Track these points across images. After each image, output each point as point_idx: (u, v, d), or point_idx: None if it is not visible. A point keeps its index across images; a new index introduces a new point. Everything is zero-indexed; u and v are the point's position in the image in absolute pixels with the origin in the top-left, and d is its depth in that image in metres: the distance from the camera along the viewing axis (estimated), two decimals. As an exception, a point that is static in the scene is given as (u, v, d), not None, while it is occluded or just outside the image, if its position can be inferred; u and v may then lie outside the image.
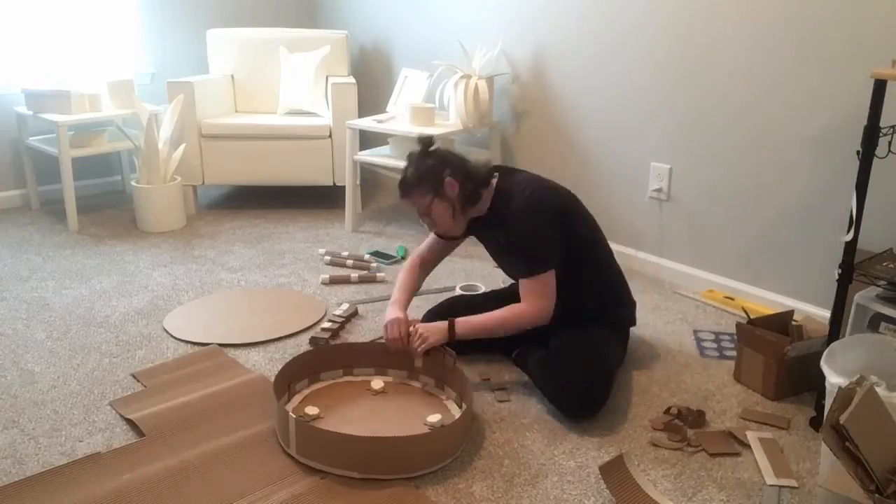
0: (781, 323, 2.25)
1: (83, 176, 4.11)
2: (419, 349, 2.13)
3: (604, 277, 2.26)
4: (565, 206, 2.15)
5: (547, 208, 2.10)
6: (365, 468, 1.79)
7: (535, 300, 2.08)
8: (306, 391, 2.17)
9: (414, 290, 2.33)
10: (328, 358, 2.23)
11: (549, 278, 2.08)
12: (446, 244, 2.37)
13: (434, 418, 2.01)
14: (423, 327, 2.15)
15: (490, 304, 2.31)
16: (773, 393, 2.15)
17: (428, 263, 2.39)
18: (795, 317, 2.28)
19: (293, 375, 2.13)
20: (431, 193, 2.13)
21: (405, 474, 1.79)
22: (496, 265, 2.44)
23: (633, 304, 2.34)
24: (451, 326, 2.13)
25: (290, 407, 2.08)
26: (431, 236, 2.37)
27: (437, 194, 2.13)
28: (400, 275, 2.34)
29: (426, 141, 2.21)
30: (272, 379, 2.01)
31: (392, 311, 2.21)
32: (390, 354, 2.23)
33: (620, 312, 2.28)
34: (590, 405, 2.04)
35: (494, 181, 2.19)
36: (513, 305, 2.11)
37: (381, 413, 2.07)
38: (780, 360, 2.11)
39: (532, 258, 2.09)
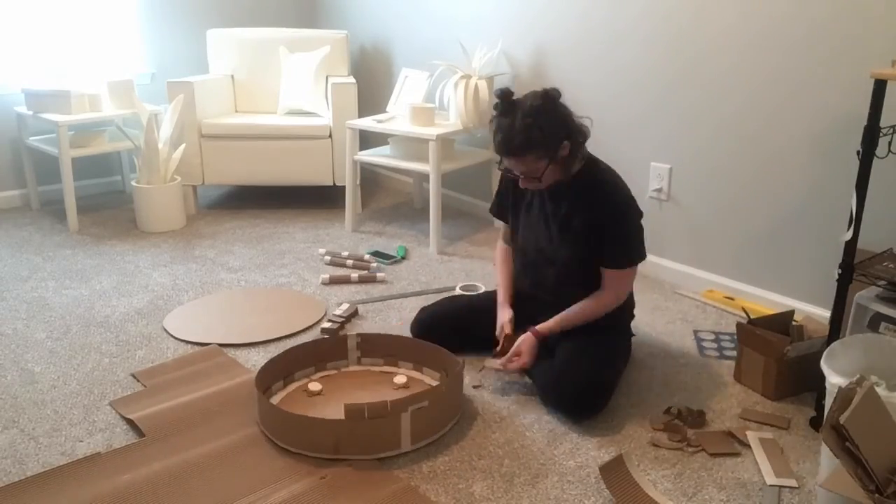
0: (781, 323, 2.25)
1: (83, 176, 4.11)
2: (511, 366, 2.13)
3: None
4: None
5: (633, 198, 2.10)
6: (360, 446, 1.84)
7: (621, 289, 2.11)
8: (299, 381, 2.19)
9: (511, 277, 2.31)
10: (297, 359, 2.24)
11: (634, 272, 2.12)
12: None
13: (400, 379, 2.13)
14: (517, 352, 2.12)
15: (484, 306, 2.31)
16: (773, 393, 2.15)
17: (512, 240, 2.34)
18: (795, 317, 2.28)
19: (282, 367, 2.18)
20: (547, 159, 1.96)
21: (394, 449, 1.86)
22: (519, 232, 2.26)
23: (632, 312, 2.33)
24: (540, 338, 2.12)
25: (282, 395, 2.12)
26: (503, 226, 2.35)
27: (552, 159, 1.97)
28: (497, 271, 2.34)
29: (529, 94, 1.98)
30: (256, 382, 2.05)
31: (502, 314, 2.25)
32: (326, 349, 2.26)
33: (625, 319, 2.27)
34: (588, 407, 2.04)
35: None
36: (594, 299, 2.10)
37: (345, 399, 2.12)
38: (780, 360, 2.11)
39: (632, 249, 2.08)
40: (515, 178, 2.08)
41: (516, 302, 2.30)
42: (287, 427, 1.87)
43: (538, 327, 2.13)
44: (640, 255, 2.10)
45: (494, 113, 2.01)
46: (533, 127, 1.92)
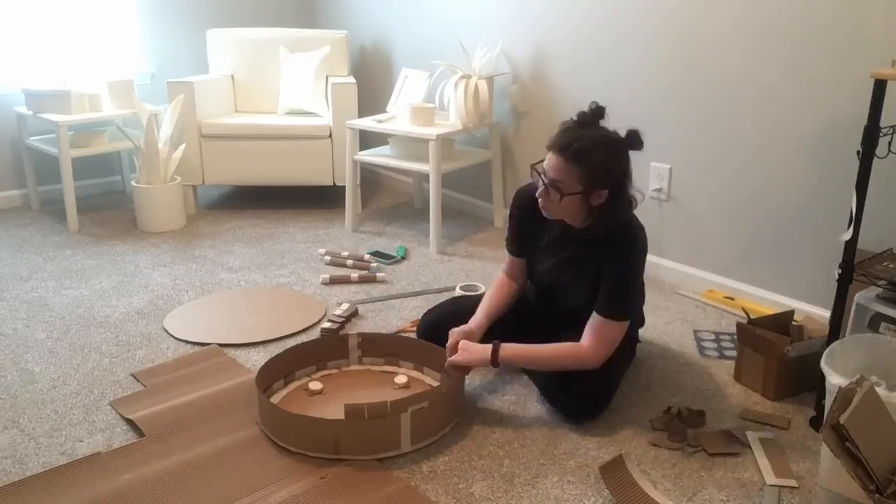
0: (782, 323, 2.25)
1: (83, 176, 4.11)
2: (448, 363, 2.02)
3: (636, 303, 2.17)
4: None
5: (646, 245, 2.01)
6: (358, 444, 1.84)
7: (602, 345, 1.95)
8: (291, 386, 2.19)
9: (497, 306, 2.18)
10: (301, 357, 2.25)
11: (623, 328, 1.97)
12: (522, 262, 2.21)
13: (401, 379, 2.13)
14: (464, 344, 2.02)
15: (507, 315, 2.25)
16: (773, 393, 2.15)
17: (515, 277, 2.24)
18: (795, 317, 2.28)
19: (282, 366, 2.19)
20: (582, 186, 1.87)
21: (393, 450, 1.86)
22: (534, 285, 2.21)
23: (642, 322, 2.32)
24: (496, 353, 1.98)
25: (283, 393, 2.13)
26: (508, 257, 2.24)
27: (585, 191, 1.88)
28: (486, 295, 2.22)
29: (634, 138, 1.91)
30: (256, 381, 2.04)
31: (469, 324, 2.11)
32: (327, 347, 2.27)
33: (632, 329, 2.23)
34: (589, 409, 2.04)
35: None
36: (572, 345, 1.97)
37: (345, 398, 2.12)
38: (780, 360, 2.11)
39: (624, 300, 1.96)
40: (532, 194, 2.00)
41: (507, 329, 2.18)
42: (287, 426, 1.88)
43: (504, 346, 1.99)
44: (628, 311, 1.98)
45: (574, 119, 1.93)
46: (599, 149, 1.85)
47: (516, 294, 2.25)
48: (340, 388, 2.17)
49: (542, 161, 1.95)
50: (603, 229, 1.95)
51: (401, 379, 2.19)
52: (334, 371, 2.27)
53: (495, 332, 2.14)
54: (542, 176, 1.92)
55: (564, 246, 2.06)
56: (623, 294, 1.97)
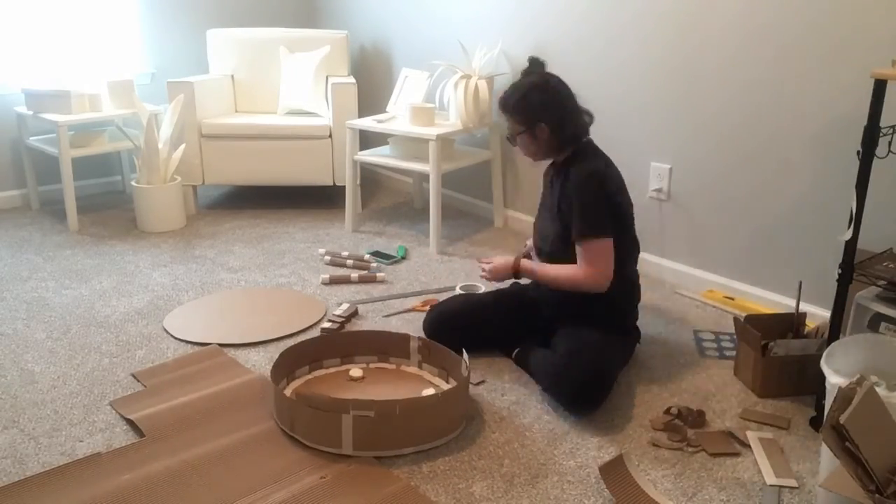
0: (784, 322, 2.26)
1: (83, 176, 4.11)
2: (482, 274, 2.40)
3: (626, 283, 2.23)
4: (621, 187, 2.21)
5: (610, 181, 2.16)
6: (367, 442, 1.85)
7: (591, 264, 2.12)
8: (304, 378, 2.21)
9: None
10: (326, 347, 2.29)
11: (603, 245, 2.12)
12: None
13: (428, 391, 2.11)
14: (491, 262, 2.38)
15: (493, 305, 2.35)
16: (759, 389, 2.17)
17: None
18: (809, 321, 2.28)
19: (294, 360, 2.21)
20: (524, 126, 2.20)
21: (407, 447, 1.87)
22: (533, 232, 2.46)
23: (636, 317, 2.34)
24: (517, 262, 2.32)
25: (293, 386, 2.18)
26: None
27: (528, 129, 2.20)
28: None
29: (539, 72, 2.25)
30: (311, 395, 2.01)
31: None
32: (385, 342, 2.31)
33: (626, 322, 2.28)
34: (589, 398, 2.04)
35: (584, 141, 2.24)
36: (572, 269, 2.16)
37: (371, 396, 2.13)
38: (763, 356, 2.12)
39: (589, 218, 2.11)
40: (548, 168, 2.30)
41: (523, 294, 2.41)
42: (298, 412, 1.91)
43: (522, 262, 2.31)
44: (596, 230, 2.11)
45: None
46: (516, 93, 2.19)
47: None
48: (378, 381, 2.23)
49: None
50: (561, 157, 2.23)
51: (355, 372, 2.25)
52: (391, 366, 2.31)
53: (494, 331, 2.35)
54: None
55: (546, 194, 2.34)
56: (585, 212, 2.11)
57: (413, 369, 2.29)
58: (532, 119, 2.17)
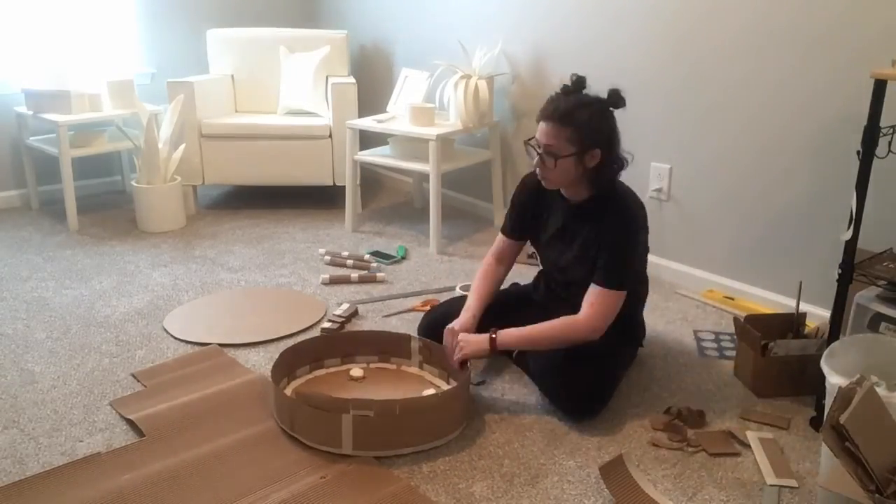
0: (784, 322, 2.26)
1: (83, 176, 4.11)
2: (455, 359, 2.06)
3: (634, 297, 2.18)
4: (646, 225, 2.10)
5: (645, 227, 2.07)
6: (367, 443, 1.85)
7: (599, 315, 1.97)
8: (306, 377, 2.23)
9: (488, 293, 2.23)
10: (328, 347, 2.30)
11: (619, 298, 1.99)
12: (514, 244, 2.27)
13: (428, 391, 2.11)
14: (462, 337, 2.07)
15: (493, 307, 2.27)
16: (759, 389, 2.17)
17: (503, 260, 2.28)
18: (809, 321, 2.28)
19: (295, 359, 2.21)
20: (577, 147, 1.93)
21: (407, 447, 1.87)
22: (539, 260, 2.28)
23: (643, 326, 2.32)
24: (493, 340, 2.03)
25: (294, 385, 2.18)
26: (498, 238, 2.28)
27: (579, 151, 1.94)
28: (474, 283, 2.25)
29: (597, 95, 1.98)
30: (310, 395, 2.00)
31: (460, 319, 2.15)
32: (386, 342, 2.29)
33: (633, 329, 2.26)
34: (589, 406, 2.03)
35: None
36: (567, 318, 2.00)
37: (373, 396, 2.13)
38: (763, 356, 2.12)
39: (619, 269, 1.98)
40: (537, 178, 2.06)
41: (524, 295, 2.32)
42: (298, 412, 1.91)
43: (501, 332, 2.04)
44: (626, 281, 2.01)
45: (558, 91, 2.01)
46: (583, 109, 1.93)
47: (502, 279, 2.30)
48: (379, 381, 2.22)
49: (533, 137, 2.01)
50: (603, 191, 2.02)
51: (356, 372, 2.25)
52: (392, 366, 2.31)
53: (492, 321, 2.16)
54: (536, 147, 1.99)
55: (569, 227, 2.11)
56: (619, 262, 1.99)
57: (414, 370, 2.28)
58: (589, 142, 1.93)
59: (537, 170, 2.03)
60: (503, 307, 2.27)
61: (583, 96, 1.97)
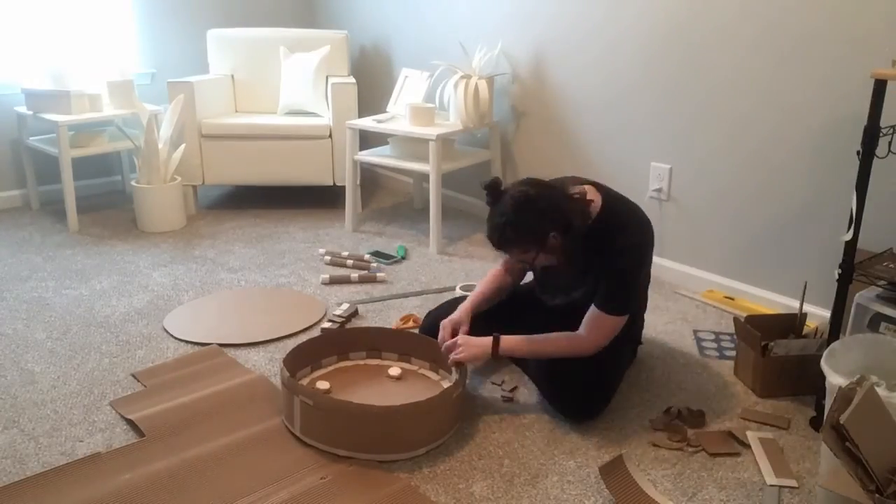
0: (786, 322, 2.26)
1: (83, 176, 4.11)
2: (451, 360, 2.05)
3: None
4: (651, 241, 2.09)
5: (648, 247, 2.06)
6: (359, 445, 1.85)
7: (599, 336, 1.99)
8: (326, 369, 2.25)
9: (490, 294, 2.23)
10: (353, 339, 2.31)
11: (619, 323, 1.99)
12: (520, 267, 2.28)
13: (395, 371, 2.17)
14: (463, 339, 2.06)
15: (499, 308, 2.26)
16: (760, 389, 2.17)
17: (511, 273, 2.28)
18: (809, 321, 2.28)
19: (306, 355, 2.21)
20: (535, 248, 1.93)
21: (398, 453, 1.86)
22: (538, 287, 2.27)
23: (643, 321, 2.32)
24: (496, 342, 2.03)
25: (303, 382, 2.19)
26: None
27: (541, 248, 1.94)
28: (479, 283, 2.27)
29: (509, 190, 1.93)
30: (281, 368, 2.02)
31: (455, 313, 2.17)
32: (415, 341, 2.27)
33: (633, 330, 2.23)
34: (590, 407, 2.03)
35: (595, 203, 1.99)
36: (570, 334, 2.01)
37: (389, 398, 2.12)
38: (764, 356, 2.12)
39: (621, 296, 1.99)
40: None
41: (526, 294, 2.29)
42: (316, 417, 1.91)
43: (504, 337, 2.04)
44: (625, 307, 2.00)
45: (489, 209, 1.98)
46: (507, 227, 1.89)
47: (509, 288, 2.29)
48: (345, 386, 2.18)
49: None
50: (595, 227, 1.98)
51: (394, 371, 2.22)
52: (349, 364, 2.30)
53: (490, 326, 2.14)
54: (510, 259, 2.13)
55: (569, 258, 2.04)
56: (621, 291, 1.99)
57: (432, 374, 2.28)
58: (536, 238, 1.91)
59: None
60: (508, 309, 2.27)
61: (501, 211, 1.91)
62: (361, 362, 2.30)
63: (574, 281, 2.11)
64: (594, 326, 1.99)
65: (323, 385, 2.14)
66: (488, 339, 2.04)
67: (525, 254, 1.96)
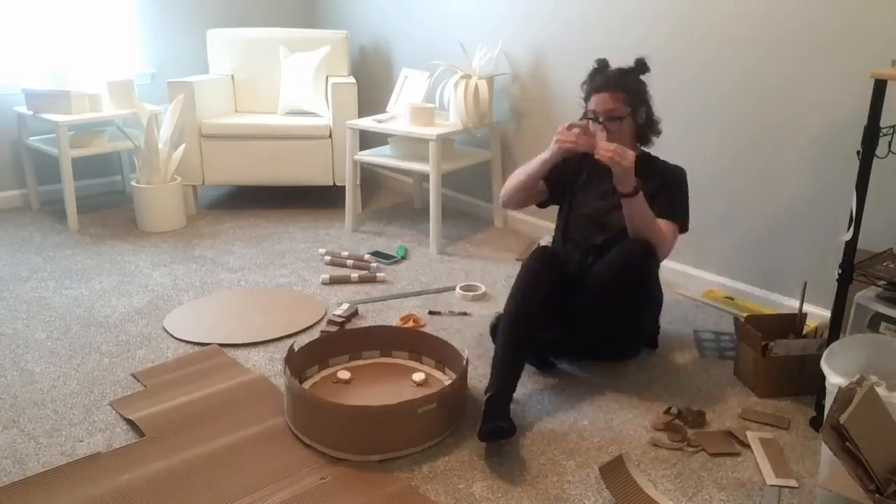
0: (786, 322, 2.26)
1: (83, 176, 4.11)
2: (609, 153, 2.03)
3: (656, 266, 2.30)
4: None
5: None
6: (353, 446, 1.86)
7: (668, 240, 2.18)
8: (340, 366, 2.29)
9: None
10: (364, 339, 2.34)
11: (678, 231, 2.22)
12: (542, 189, 2.40)
13: (418, 376, 2.18)
14: (621, 150, 2.05)
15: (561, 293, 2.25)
16: (760, 390, 2.17)
17: (532, 195, 2.41)
18: (809, 321, 2.28)
19: (312, 353, 2.24)
20: (630, 109, 2.22)
21: (395, 451, 1.86)
22: (563, 236, 2.40)
23: (657, 325, 2.44)
24: (637, 187, 2.10)
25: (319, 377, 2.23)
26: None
27: (632, 113, 2.22)
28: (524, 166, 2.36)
29: (642, 64, 2.28)
30: (283, 369, 2.02)
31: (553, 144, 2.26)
32: (425, 340, 2.30)
33: (645, 323, 2.37)
34: (639, 272, 2.15)
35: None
36: (662, 222, 2.18)
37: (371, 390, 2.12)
38: (764, 356, 2.12)
39: (684, 211, 2.24)
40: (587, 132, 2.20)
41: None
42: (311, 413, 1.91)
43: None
44: (683, 214, 2.25)
45: (595, 66, 2.32)
46: (627, 75, 2.24)
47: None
48: (366, 379, 2.23)
49: (584, 113, 2.26)
50: (646, 151, 2.32)
51: (418, 376, 2.21)
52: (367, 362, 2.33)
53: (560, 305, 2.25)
54: (596, 118, 2.22)
55: (606, 175, 2.19)
56: (682, 205, 2.25)
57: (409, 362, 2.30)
58: (638, 102, 2.22)
59: (606, 128, 2.20)
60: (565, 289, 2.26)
61: (619, 67, 2.26)
62: (378, 361, 2.34)
63: (611, 202, 2.23)
64: (666, 230, 2.17)
65: (344, 375, 2.19)
66: (631, 159, 2.05)
67: (621, 105, 2.19)
